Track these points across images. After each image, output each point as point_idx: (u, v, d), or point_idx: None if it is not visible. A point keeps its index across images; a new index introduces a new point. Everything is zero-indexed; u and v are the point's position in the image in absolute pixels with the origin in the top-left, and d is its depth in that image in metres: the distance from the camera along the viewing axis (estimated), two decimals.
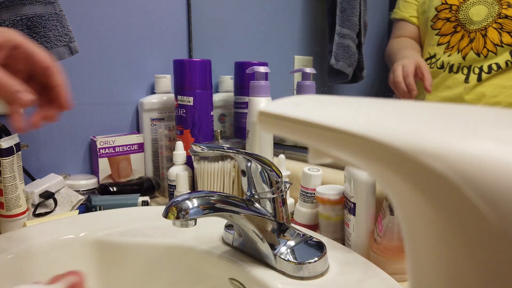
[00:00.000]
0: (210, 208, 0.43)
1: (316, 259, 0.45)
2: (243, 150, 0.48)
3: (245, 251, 0.50)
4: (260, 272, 0.46)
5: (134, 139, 0.88)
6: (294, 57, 1.03)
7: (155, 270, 0.55)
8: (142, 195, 0.77)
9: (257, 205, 0.48)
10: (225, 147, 0.48)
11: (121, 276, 0.56)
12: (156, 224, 0.59)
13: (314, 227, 0.60)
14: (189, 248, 0.53)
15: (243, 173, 0.48)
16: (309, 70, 0.74)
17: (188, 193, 0.44)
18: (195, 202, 0.43)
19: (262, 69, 0.66)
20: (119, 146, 0.86)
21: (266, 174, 0.48)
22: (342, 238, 0.57)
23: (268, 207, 0.48)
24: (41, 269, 0.53)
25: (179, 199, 0.43)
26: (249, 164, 0.47)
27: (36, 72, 0.44)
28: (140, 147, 0.89)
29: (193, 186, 0.80)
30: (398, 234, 0.47)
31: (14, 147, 0.62)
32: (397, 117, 0.15)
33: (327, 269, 0.46)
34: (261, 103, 0.66)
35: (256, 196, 0.48)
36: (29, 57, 0.42)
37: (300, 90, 0.75)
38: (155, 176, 0.91)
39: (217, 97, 0.95)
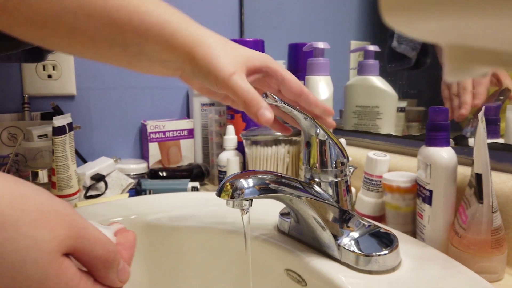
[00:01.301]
0: (267, 189, 0.39)
1: (386, 251, 0.39)
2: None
3: (303, 240, 0.45)
4: (321, 263, 0.41)
5: (184, 124, 0.86)
6: (350, 42, 0.96)
7: (205, 257, 0.52)
8: (192, 181, 0.74)
9: (318, 188, 0.43)
10: (297, 108, 0.42)
11: (170, 261, 0.53)
12: (207, 210, 0.56)
13: (379, 218, 0.54)
14: (241, 235, 0.49)
15: (308, 144, 0.43)
16: (372, 47, 0.68)
17: (243, 171, 0.40)
18: (251, 181, 0.38)
19: (321, 45, 0.60)
20: (169, 131, 0.84)
21: (332, 149, 0.42)
22: (413, 231, 0.50)
23: (330, 192, 0.43)
24: None
25: (233, 176, 0.38)
26: (318, 130, 0.42)
27: (286, 94, 0.46)
28: (190, 133, 0.87)
29: None
30: (487, 225, 0.40)
31: (66, 126, 0.61)
32: None
33: (399, 264, 0.40)
34: (320, 82, 0.61)
35: (316, 179, 0.43)
36: (280, 82, 0.45)
37: (362, 70, 0.69)
38: (205, 163, 0.88)
39: None
